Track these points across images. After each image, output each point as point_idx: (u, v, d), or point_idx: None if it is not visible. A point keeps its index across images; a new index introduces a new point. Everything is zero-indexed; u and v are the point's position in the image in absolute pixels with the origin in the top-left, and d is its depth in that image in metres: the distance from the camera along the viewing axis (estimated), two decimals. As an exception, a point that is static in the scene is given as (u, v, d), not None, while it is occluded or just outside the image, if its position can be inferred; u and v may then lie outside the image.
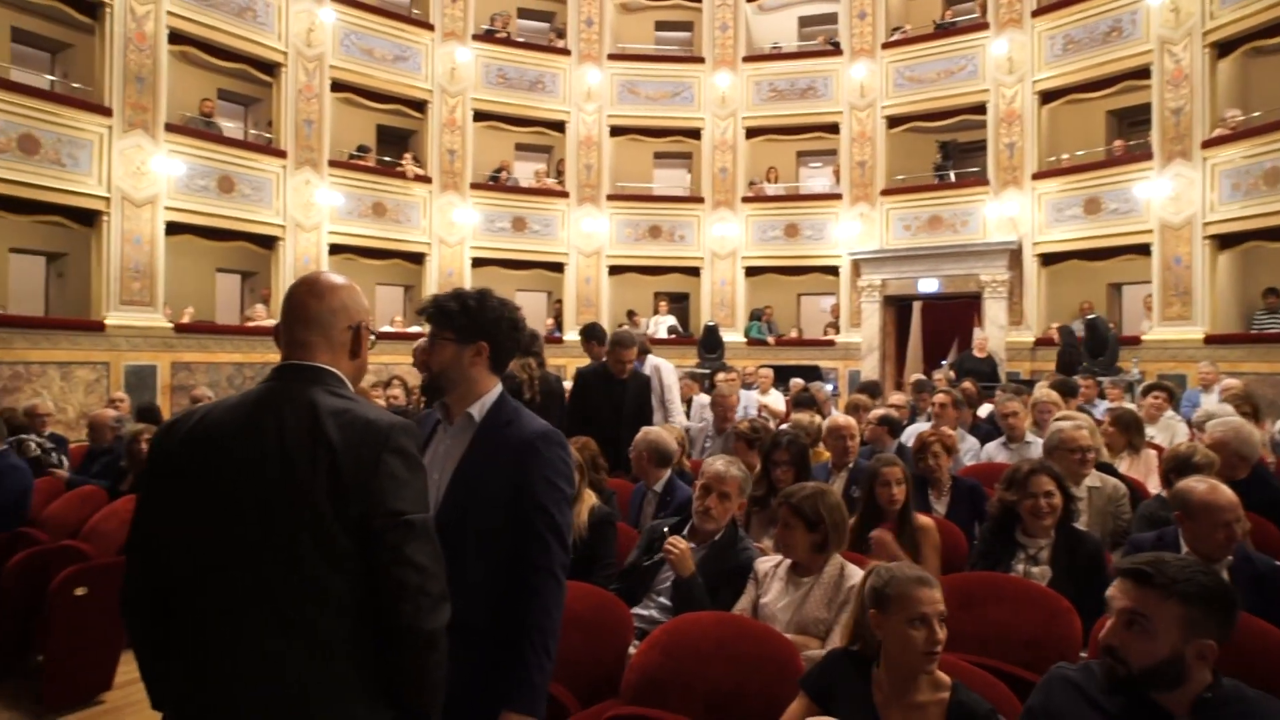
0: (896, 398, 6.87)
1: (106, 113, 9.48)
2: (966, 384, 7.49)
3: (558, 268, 14.23)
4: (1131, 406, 6.03)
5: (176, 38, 10.32)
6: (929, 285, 13.10)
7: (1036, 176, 12.29)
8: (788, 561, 2.91)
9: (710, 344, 12.44)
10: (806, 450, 3.98)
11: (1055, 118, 12.61)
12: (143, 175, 9.78)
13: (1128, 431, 5.05)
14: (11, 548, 4.60)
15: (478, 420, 2.02)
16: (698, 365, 11.75)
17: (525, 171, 14.77)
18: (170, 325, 10.04)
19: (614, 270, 14.35)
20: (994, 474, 4.73)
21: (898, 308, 13.85)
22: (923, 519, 3.38)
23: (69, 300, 10.72)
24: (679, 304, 15.35)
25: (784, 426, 5.68)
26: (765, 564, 2.97)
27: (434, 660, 1.56)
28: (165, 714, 1.60)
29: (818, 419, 5.97)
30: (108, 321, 9.42)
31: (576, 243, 14.11)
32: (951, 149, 13.85)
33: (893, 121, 13.71)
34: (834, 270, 14.08)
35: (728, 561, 3.07)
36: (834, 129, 14.11)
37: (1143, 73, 11.15)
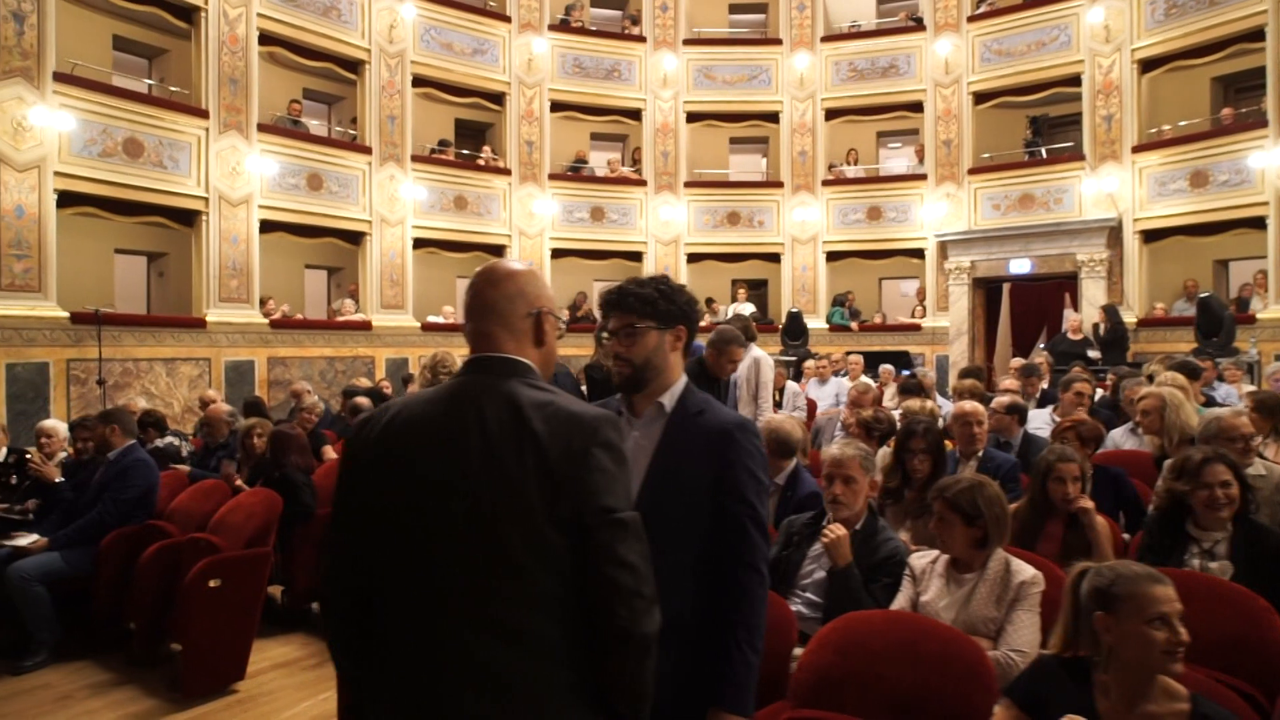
0: (1009, 383, 6.61)
1: (204, 115, 9.73)
2: (1076, 369, 7.17)
3: (636, 257, 14.15)
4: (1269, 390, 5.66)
5: (266, 39, 10.54)
6: (1021, 266, 12.64)
7: (1137, 150, 11.71)
8: (945, 557, 2.78)
9: (794, 331, 12.23)
10: (942, 438, 3.82)
11: (1155, 87, 12.00)
12: (238, 175, 10.02)
13: (1272, 416, 4.73)
14: (143, 540, 4.73)
15: (668, 410, 1.94)
16: (781, 353, 11.56)
17: (600, 161, 14.72)
18: (266, 321, 10.29)
19: (692, 258, 14.22)
20: (1125, 461, 4.50)
21: (987, 290, 13.41)
22: (1099, 518, 3.19)
23: (169, 298, 11.08)
24: (757, 290, 15.14)
25: (894, 413, 5.52)
26: (921, 560, 2.84)
27: (647, 665, 1.48)
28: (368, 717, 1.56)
29: (929, 405, 5.79)
30: (208, 318, 9.69)
31: (654, 231, 14.01)
32: (1042, 124, 13.31)
33: (979, 97, 13.24)
34: (919, 253, 13.70)
35: (874, 553, 2.95)
36: (917, 108, 13.70)
37: (1256, 35, 10.51)
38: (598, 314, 14.38)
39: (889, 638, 2.27)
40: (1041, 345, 11.16)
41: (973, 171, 13.16)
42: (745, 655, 1.81)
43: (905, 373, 10.87)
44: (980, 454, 4.19)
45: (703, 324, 14.10)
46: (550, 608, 1.44)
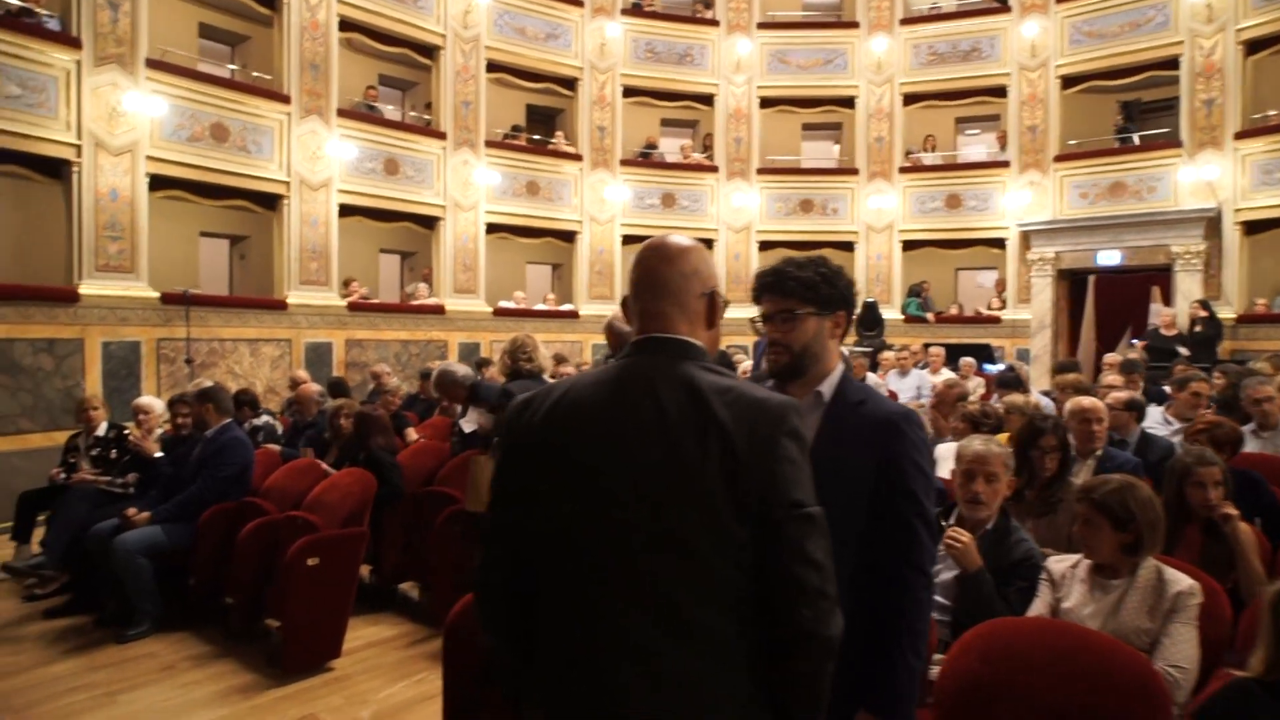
0: (1112, 378, 6.32)
1: (285, 100, 9.88)
2: (1181, 368, 6.84)
3: (707, 244, 13.94)
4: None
5: (345, 25, 10.66)
6: (1110, 257, 12.15)
7: (1240, 136, 11.14)
8: (1087, 562, 2.62)
9: (870, 321, 11.97)
10: (1067, 435, 3.63)
11: (1261, 70, 11.37)
12: (318, 159, 10.16)
13: None
14: (241, 517, 4.80)
15: (826, 399, 1.84)
16: (856, 343, 11.33)
17: (671, 147, 14.58)
18: (344, 304, 10.44)
19: (764, 246, 14.01)
20: (1254, 465, 4.24)
21: (1071, 281, 12.92)
22: (1244, 525, 2.99)
23: (250, 281, 11.31)
24: (828, 280, 14.85)
25: (996, 406, 5.31)
26: (1060, 564, 2.68)
27: (827, 669, 1.39)
28: (532, 712, 1.50)
29: (1032, 400, 5.57)
30: (289, 300, 9.86)
31: (726, 218, 13.84)
32: (1135, 109, 12.77)
33: (1067, 81, 12.74)
34: (999, 243, 13.28)
35: (1007, 555, 2.79)
36: (1000, 92, 13.25)
37: (1375, 14, 9.90)
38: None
39: (1041, 646, 2.13)
40: (1134, 340, 10.71)
41: (1059, 159, 12.68)
42: (909, 662, 1.70)
43: (998, 367, 10.57)
44: (1099, 453, 3.98)
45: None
46: (726, 600, 1.36)
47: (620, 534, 1.37)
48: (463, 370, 5.05)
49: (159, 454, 5.27)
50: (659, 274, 1.53)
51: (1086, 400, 4.20)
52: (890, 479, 1.75)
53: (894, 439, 1.77)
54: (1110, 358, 8.06)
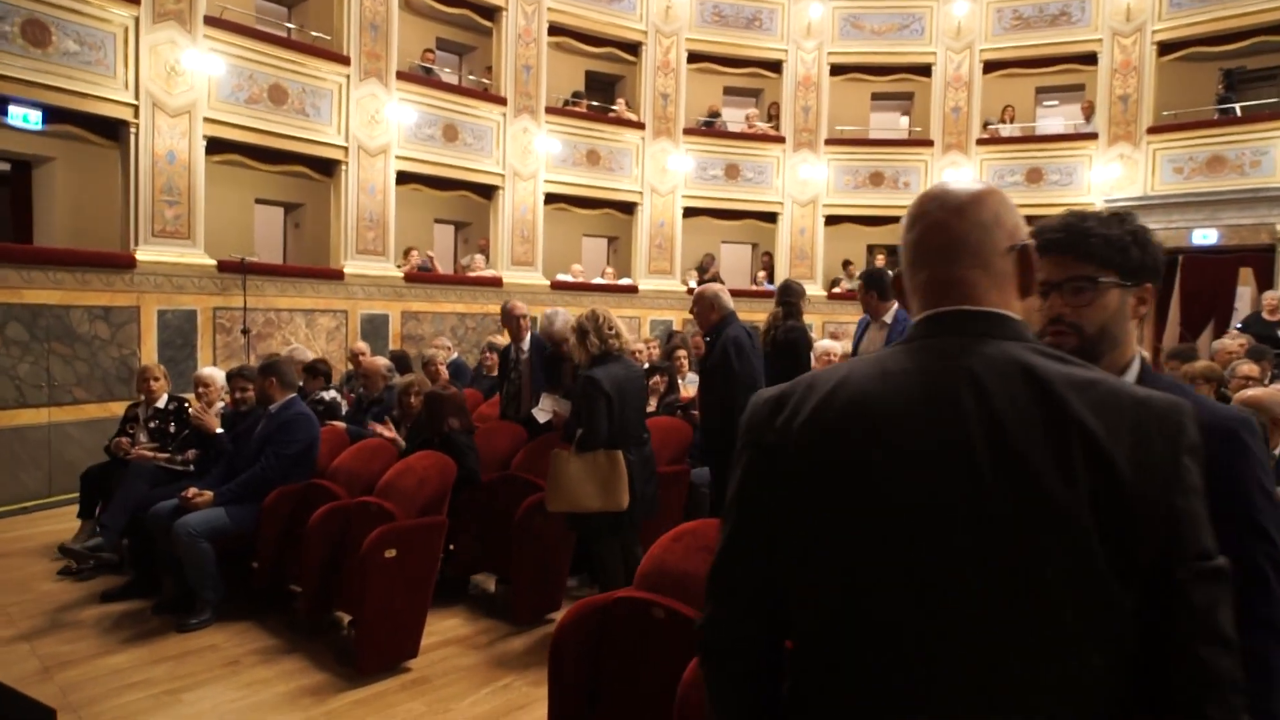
0: (1247, 368, 5.72)
1: (345, 61, 9.51)
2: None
3: (770, 218, 13.44)
4: None
5: (405, -17, 10.25)
6: (1206, 236, 11.37)
7: (1360, 106, 10.29)
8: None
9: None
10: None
11: (1384, 34, 10.49)
12: (376, 124, 9.80)
13: None
14: (307, 500, 4.48)
15: None
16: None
17: (734, 117, 13.99)
18: (400, 274, 10.11)
19: (831, 220, 13.41)
20: None
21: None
22: None
23: (305, 250, 11.05)
24: (894, 256, 14.21)
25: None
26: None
27: None
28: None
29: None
30: (346, 270, 9.55)
31: (791, 191, 13.26)
32: (1237, 78, 11.89)
33: (1164, 48, 11.89)
34: (1083, 220, 12.51)
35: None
36: (1089, 59, 12.43)
37: None
38: (725, 276, 13.82)
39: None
40: (1237, 326, 9.98)
41: (1153, 130, 11.87)
42: None
43: None
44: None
45: (837, 289, 13.35)
46: (1092, 705, 0.92)
47: (940, 592, 0.94)
48: (561, 320, 4.71)
49: (219, 430, 4.96)
50: (949, 229, 1.10)
51: (1263, 392, 3.67)
52: (1230, 508, 1.29)
53: (1233, 454, 1.30)
54: (1226, 343, 7.42)
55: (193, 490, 4.44)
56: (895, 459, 0.98)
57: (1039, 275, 1.12)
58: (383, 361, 5.87)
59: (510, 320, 5.40)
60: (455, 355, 8.11)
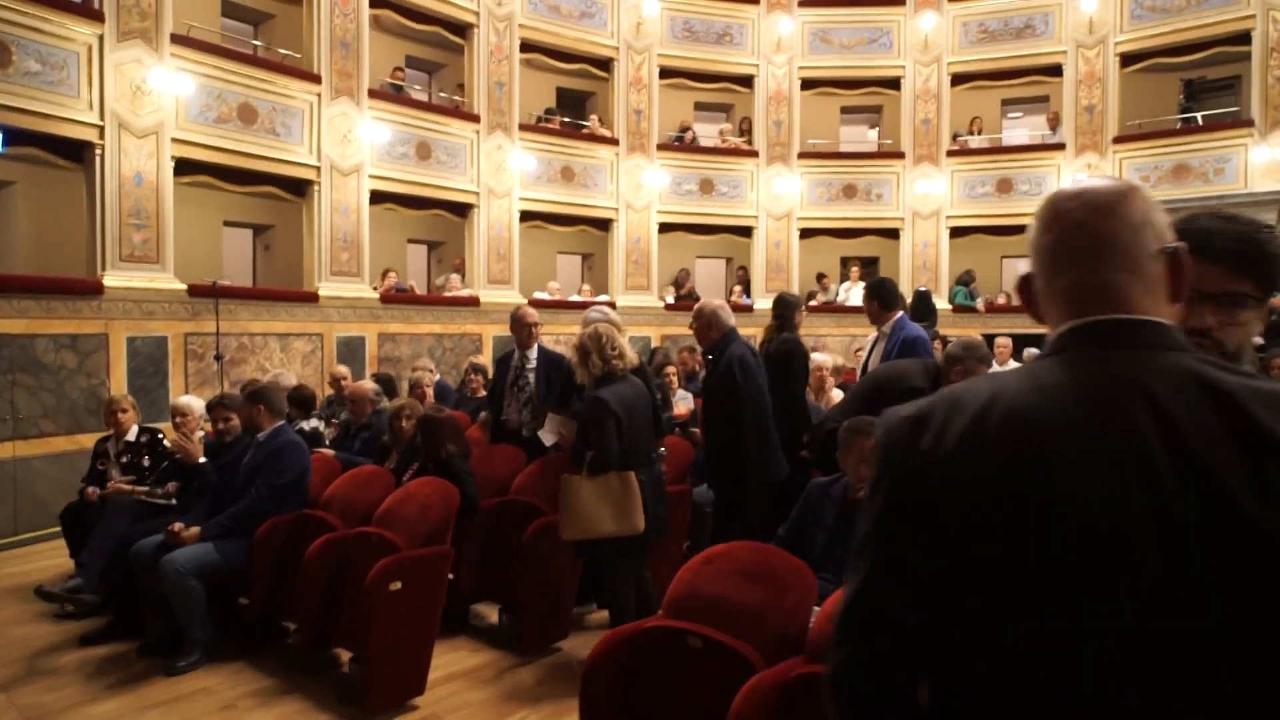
0: None
1: (315, 80, 9.33)
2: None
3: (745, 232, 13.44)
4: None
5: (376, 1, 10.09)
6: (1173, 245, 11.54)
7: (1318, 113, 10.57)
8: None
9: (922, 311, 11.29)
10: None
11: (1338, 44, 10.80)
12: (349, 143, 9.62)
13: None
14: (301, 531, 4.30)
15: None
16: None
17: (705, 132, 14.00)
18: (376, 296, 9.91)
19: (805, 233, 13.45)
20: None
21: (1129, 269, 12.34)
22: None
23: (275, 273, 10.79)
24: (868, 269, 14.30)
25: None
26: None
27: None
28: None
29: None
30: (320, 292, 9.33)
31: (766, 205, 13.27)
32: (1198, 87, 12.17)
33: (1127, 59, 12.15)
34: (1053, 229, 12.67)
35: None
36: (1054, 71, 12.66)
37: None
38: (700, 291, 13.78)
39: None
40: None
41: (1118, 140, 12.10)
42: None
43: None
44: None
45: (813, 303, 13.36)
46: None
47: (1128, 638, 0.85)
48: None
49: (203, 459, 4.75)
50: (1096, 230, 1.01)
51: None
52: None
53: None
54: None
55: (178, 525, 4.24)
56: (1065, 478, 0.88)
57: (1204, 284, 1.04)
58: (370, 385, 5.69)
59: (520, 328, 5.26)
60: (438, 377, 7.93)
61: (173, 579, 4.01)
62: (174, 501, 4.83)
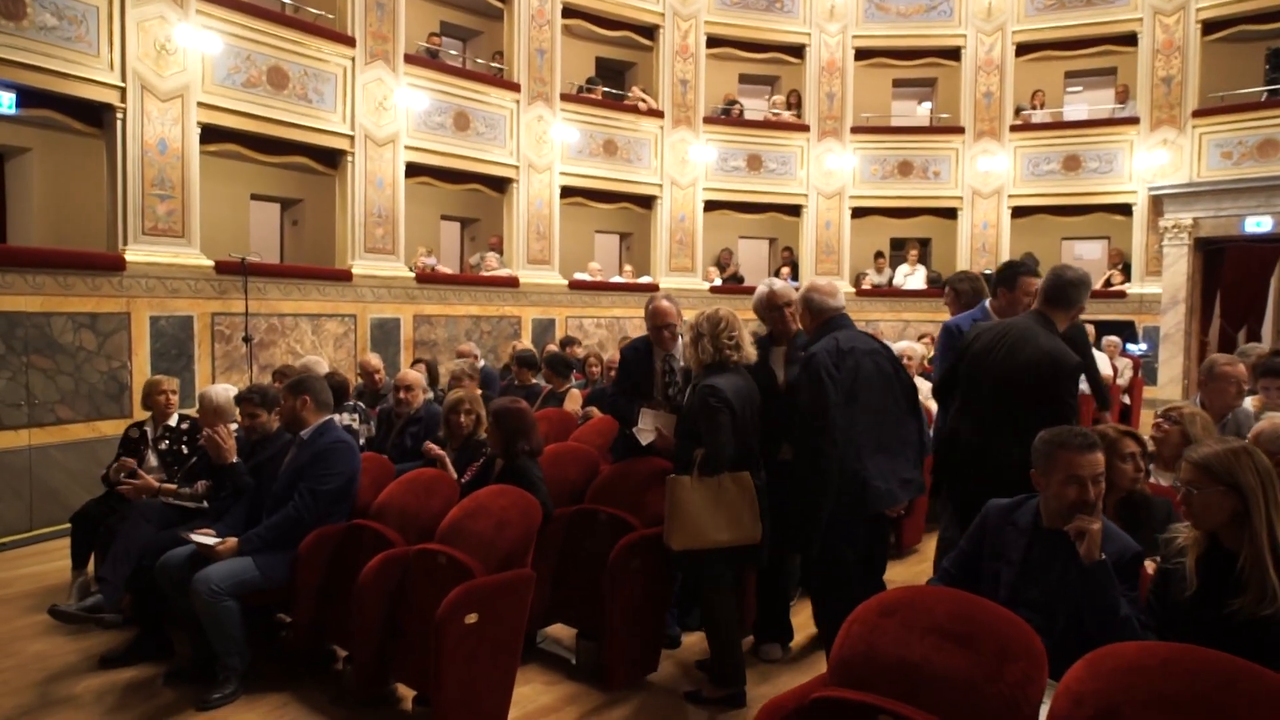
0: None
1: (350, 42, 8.71)
2: None
3: (792, 211, 12.75)
4: None
5: (411, -40, 9.46)
6: (1260, 224, 10.79)
7: None
8: None
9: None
10: None
11: None
12: (384, 111, 9.00)
13: None
14: (351, 545, 3.73)
15: None
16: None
17: (750, 106, 13.28)
18: (412, 275, 9.33)
19: (858, 213, 12.73)
20: None
21: (1206, 253, 11.60)
22: None
23: (304, 250, 10.25)
24: (926, 248, 13.60)
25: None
26: None
27: None
28: None
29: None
30: (354, 271, 8.76)
31: (816, 182, 12.56)
32: (1284, 58, 11.34)
33: (1209, 26, 11.31)
34: (1123, 209, 11.93)
35: None
36: (1128, 40, 11.84)
37: None
38: (743, 274, 13.11)
39: None
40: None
41: (1199, 114, 11.29)
42: None
43: (1140, 347, 9.25)
44: None
45: (865, 285, 12.68)
46: None
47: None
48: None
49: (236, 459, 4.18)
50: None
51: None
52: None
53: None
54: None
55: (211, 535, 3.68)
56: None
57: None
58: (414, 375, 5.06)
59: (666, 325, 3.99)
60: (483, 363, 7.34)
61: (207, 599, 3.45)
62: (205, 504, 4.27)
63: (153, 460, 4.67)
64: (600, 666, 3.68)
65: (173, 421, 4.78)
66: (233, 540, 3.65)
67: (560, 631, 4.16)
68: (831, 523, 3.33)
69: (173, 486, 4.41)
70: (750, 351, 3.50)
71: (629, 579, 3.54)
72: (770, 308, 3.80)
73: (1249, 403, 4.34)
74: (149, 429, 4.83)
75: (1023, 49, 12.37)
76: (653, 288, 11.64)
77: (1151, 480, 3.37)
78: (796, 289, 3.86)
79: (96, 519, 4.45)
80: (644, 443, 3.78)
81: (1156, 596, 2.41)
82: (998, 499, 2.70)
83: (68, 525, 4.72)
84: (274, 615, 4.07)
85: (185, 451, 4.66)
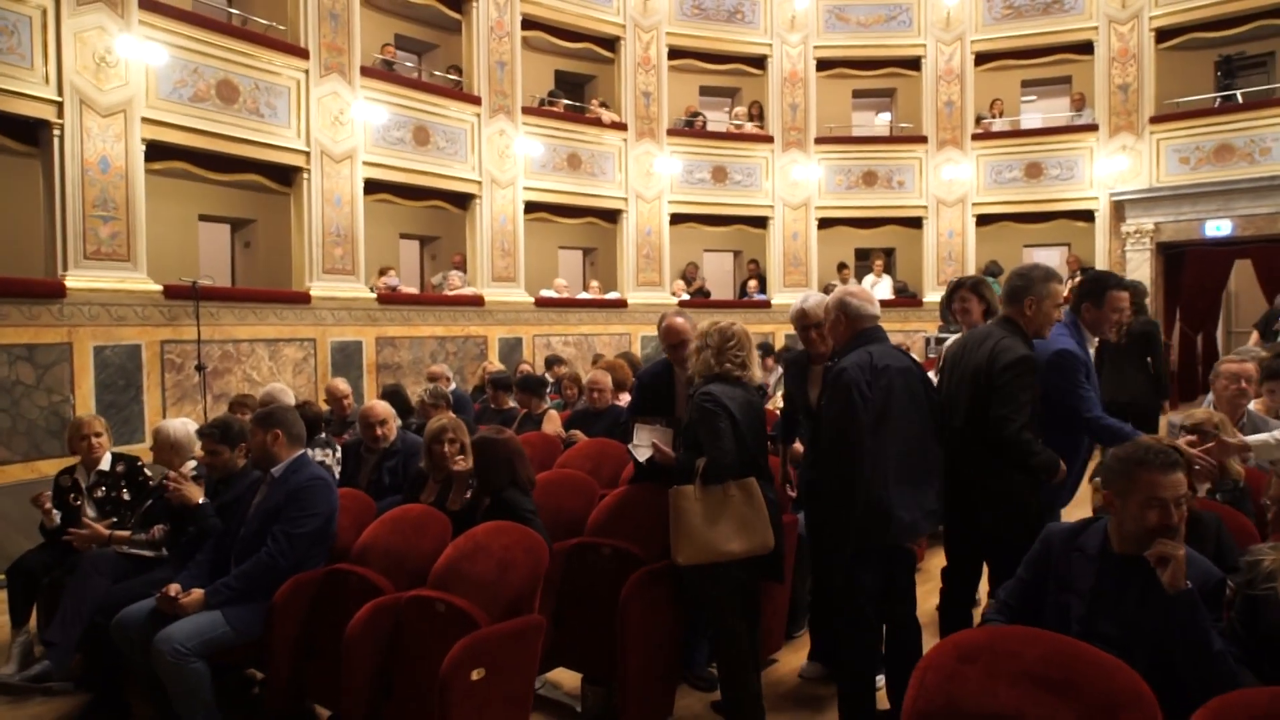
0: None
1: (303, 54, 8.34)
2: None
3: (758, 222, 12.62)
4: None
5: (365, -30, 9.13)
6: (1219, 228, 10.94)
7: (1375, 88, 9.98)
8: None
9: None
10: None
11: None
12: (341, 125, 8.64)
13: None
14: (331, 592, 3.37)
15: None
16: (940, 329, 10.02)
17: (712, 118, 13.15)
18: (373, 296, 8.94)
19: (824, 223, 12.66)
20: None
21: (1167, 257, 11.73)
22: None
23: (257, 273, 9.78)
24: (890, 258, 13.57)
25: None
26: None
27: None
28: None
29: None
30: (313, 293, 8.35)
31: (782, 193, 12.46)
32: (1234, 64, 11.55)
33: (1162, 34, 11.49)
34: (1086, 215, 12.03)
35: None
36: (1084, 48, 11.97)
37: None
38: (710, 289, 12.93)
39: None
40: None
41: (1156, 120, 11.44)
42: None
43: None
44: None
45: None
46: None
47: None
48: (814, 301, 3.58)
49: (202, 500, 3.80)
50: None
51: None
52: None
53: None
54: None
55: (174, 587, 3.29)
56: None
57: None
58: (383, 406, 4.68)
59: (681, 343, 3.75)
60: (454, 386, 7.00)
61: (171, 661, 3.07)
62: (164, 552, 3.88)
63: (89, 510, 4.24)
64: (609, 713, 3.38)
65: (105, 465, 4.35)
66: (198, 592, 3.28)
67: (562, 676, 3.85)
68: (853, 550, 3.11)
69: (125, 534, 4.00)
70: (756, 373, 3.31)
71: (641, 617, 3.25)
72: (799, 327, 3.62)
73: (1254, 405, 4.23)
74: (80, 476, 4.39)
75: (981, 58, 12.45)
76: (620, 304, 11.39)
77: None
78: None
79: (39, 571, 4.02)
80: (640, 459, 3.51)
81: (1244, 627, 2.20)
82: (1062, 524, 2.48)
83: (2, 578, 4.28)
84: (244, 672, 3.70)
85: (127, 497, 4.25)
